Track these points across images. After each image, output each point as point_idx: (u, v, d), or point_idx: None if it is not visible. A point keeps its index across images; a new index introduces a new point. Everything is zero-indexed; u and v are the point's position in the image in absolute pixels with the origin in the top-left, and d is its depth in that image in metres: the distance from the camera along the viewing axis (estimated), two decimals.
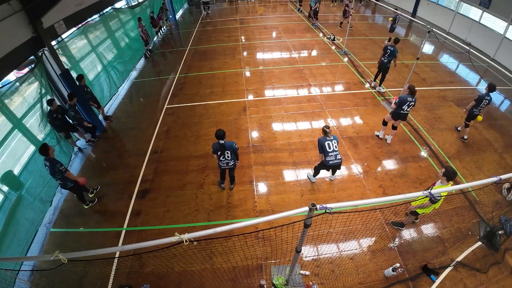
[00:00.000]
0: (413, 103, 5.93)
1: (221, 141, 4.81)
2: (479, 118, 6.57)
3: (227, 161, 5.09)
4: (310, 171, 6.00)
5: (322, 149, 5.08)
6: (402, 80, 9.35)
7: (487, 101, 6.23)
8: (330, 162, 5.09)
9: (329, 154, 5.04)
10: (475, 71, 9.98)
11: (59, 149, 6.27)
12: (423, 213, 4.28)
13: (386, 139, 6.85)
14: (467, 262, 4.43)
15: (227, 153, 4.96)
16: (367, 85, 9.31)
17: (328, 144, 5.01)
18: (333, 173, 5.87)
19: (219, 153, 4.96)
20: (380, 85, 8.98)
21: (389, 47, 8.03)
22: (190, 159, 6.56)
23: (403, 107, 6.00)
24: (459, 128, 7.21)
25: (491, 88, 6.17)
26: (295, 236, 3.02)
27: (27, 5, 5.44)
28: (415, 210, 4.29)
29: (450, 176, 3.83)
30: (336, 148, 5.06)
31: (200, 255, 4.30)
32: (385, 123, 6.71)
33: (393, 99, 6.11)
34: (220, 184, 5.85)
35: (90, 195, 5.66)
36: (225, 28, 15.41)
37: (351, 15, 12.31)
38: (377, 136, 7.01)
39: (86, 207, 5.54)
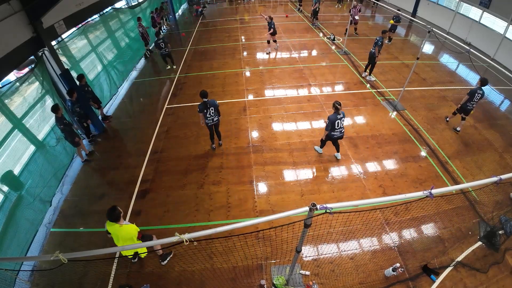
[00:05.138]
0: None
1: (205, 99, 5.69)
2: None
3: (212, 117, 6.00)
4: (317, 147, 6.58)
5: (331, 126, 5.57)
6: (402, 80, 9.35)
7: (479, 95, 6.38)
8: (334, 136, 5.77)
9: (336, 130, 5.65)
10: (475, 71, 9.97)
11: (61, 149, 6.28)
12: None
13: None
14: (467, 262, 4.43)
15: (211, 109, 5.85)
16: (368, 85, 9.32)
17: (338, 122, 5.54)
18: (338, 149, 6.31)
19: (205, 111, 5.82)
20: (369, 75, 9.67)
21: (377, 38, 8.77)
22: (190, 159, 6.56)
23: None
24: (458, 129, 7.18)
25: (483, 82, 6.31)
26: (295, 236, 3.02)
27: (27, 5, 5.44)
28: None
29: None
30: (342, 125, 5.64)
31: (200, 255, 4.28)
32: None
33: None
34: (212, 145, 6.74)
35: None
36: (225, 28, 15.42)
37: (355, 22, 12.35)
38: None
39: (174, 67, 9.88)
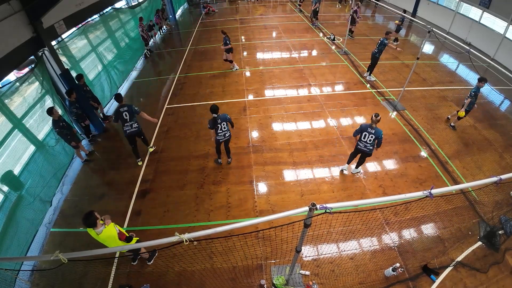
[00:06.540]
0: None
1: (215, 115, 5.32)
2: (461, 113, 6.80)
3: (224, 132, 5.58)
4: (349, 167, 6.03)
5: (360, 133, 5.23)
6: (402, 80, 9.35)
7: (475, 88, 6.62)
8: (360, 148, 5.35)
9: (361, 141, 5.25)
10: (475, 71, 9.96)
11: (61, 149, 6.27)
12: None
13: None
14: (467, 262, 4.43)
15: (223, 124, 5.47)
16: (368, 85, 9.32)
17: (365, 134, 5.14)
18: (358, 165, 5.85)
19: (217, 127, 5.43)
20: (370, 74, 9.65)
21: (381, 39, 8.76)
22: (190, 159, 6.56)
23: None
24: (449, 116, 7.56)
25: (478, 79, 6.50)
26: (295, 236, 3.02)
27: (27, 5, 5.44)
28: None
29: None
30: (370, 141, 5.17)
31: (200, 255, 4.30)
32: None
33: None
34: (217, 160, 6.29)
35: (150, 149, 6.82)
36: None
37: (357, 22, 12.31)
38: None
39: (150, 149, 6.82)
